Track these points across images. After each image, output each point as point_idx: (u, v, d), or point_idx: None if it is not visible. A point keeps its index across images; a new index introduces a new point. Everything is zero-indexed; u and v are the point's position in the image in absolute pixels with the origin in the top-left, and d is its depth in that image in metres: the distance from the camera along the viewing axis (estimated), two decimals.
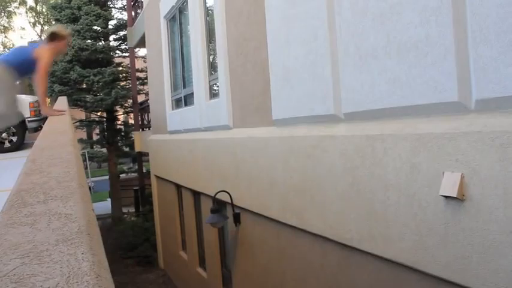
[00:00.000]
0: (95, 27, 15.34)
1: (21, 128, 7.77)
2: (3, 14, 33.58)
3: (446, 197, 2.27)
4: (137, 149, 12.35)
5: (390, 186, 2.69)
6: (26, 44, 4.78)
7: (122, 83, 16.10)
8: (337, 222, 3.24)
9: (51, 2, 22.31)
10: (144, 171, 13.90)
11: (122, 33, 16.25)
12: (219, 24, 5.51)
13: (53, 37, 4.58)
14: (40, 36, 32.61)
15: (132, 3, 13.44)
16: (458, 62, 2.28)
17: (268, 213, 4.40)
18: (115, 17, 17.21)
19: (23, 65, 4.54)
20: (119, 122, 17.63)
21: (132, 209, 15.56)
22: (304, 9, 3.59)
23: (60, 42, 4.62)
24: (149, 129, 11.79)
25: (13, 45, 32.26)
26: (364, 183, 2.93)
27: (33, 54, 4.48)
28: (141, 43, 11.99)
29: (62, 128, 3.95)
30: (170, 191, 9.01)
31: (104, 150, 17.16)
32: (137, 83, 14.51)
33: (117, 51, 16.73)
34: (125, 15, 16.12)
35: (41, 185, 1.76)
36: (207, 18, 6.42)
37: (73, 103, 14.18)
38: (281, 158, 4.03)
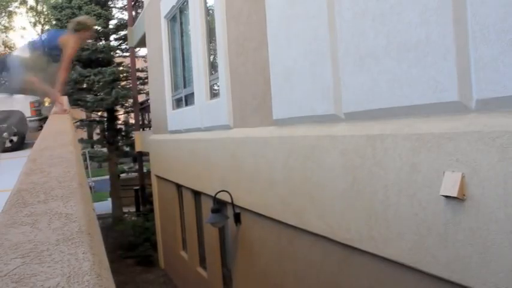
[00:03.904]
0: (96, 27, 15.32)
1: (22, 127, 7.77)
2: (3, 13, 33.58)
3: (446, 196, 2.27)
4: (138, 148, 12.34)
5: (390, 186, 2.69)
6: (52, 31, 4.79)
7: (123, 83, 16.08)
8: (338, 222, 3.24)
9: (51, 1, 22.31)
10: (145, 171, 13.89)
11: (122, 33, 16.24)
12: (220, 24, 5.51)
13: (78, 28, 4.60)
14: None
15: (132, 3, 13.44)
16: (459, 62, 2.28)
17: (269, 213, 4.40)
18: (115, 16, 17.20)
19: (50, 50, 4.56)
20: (120, 122, 17.59)
21: (132, 209, 15.54)
22: (305, 9, 3.59)
23: (85, 32, 4.65)
24: (149, 129, 11.79)
25: (14, 44, 32.21)
26: (364, 183, 2.93)
27: (59, 41, 4.51)
28: (142, 43, 11.98)
29: (62, 128, 3.95)
30: (171, 190, 9.02)
31: (105, 150, 17.14)
32: (138, 82, 14.50)
33: (118, 51, 16.72)
34: (125, 15, 16.11)
35: (41, 184, 1.76)
36: (208, 18, 6.42)
37: (73, 103, 14.14)
38: (281, 158, 4.03)
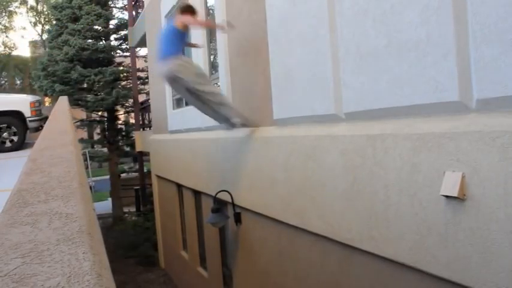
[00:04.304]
0: (96, 27, 15.34)
1: (22, 127, 7.79)
2: (4, 13, 33.61)
3: (447, 196, 2.27)
4: (138, 148, 12.35)
5: (391, 186, 2.69)
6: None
7: (123, 83, 16.10)
8: (338, 221, 3.24)
9: (51, 1, 22.31)
10: (145, 170, 13.91)
11: (122, 32, 16.25)
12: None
13: (185, 10, 4.72)
14: (41, 36, 32.65)
15: (133, 2, 13.44)
16: (459, 62, 2.28)
17: (269, 212, 4.40)
18: (116, 16, 17.20)
19: (178, 42, 4.68)
20: (120, 122, 17.62)
21: (132, 209, 15.56)
22: (305, 8, 3.59)
23: (191, 16, 4.76)
24: (150, 128, 11.79)
25: (14, 44, 32.25)
26: (364, 183, 2.93)
27: (174, 26, 4.65)
28: (142, 43, 11.98)
29: (62, 128, 3.95)
30: (171, 190, 9.02)
31: (105, 149, 17.17)
32: (138, 82, 14.52)
33: (118, 51, 16.73)
34: (125, 15, 16.11)
35: (41, 184, 1.76)
36: (208, 18, 6.42)
37: (74, 103, 14.17)
38: (282, 158, 4.03)
